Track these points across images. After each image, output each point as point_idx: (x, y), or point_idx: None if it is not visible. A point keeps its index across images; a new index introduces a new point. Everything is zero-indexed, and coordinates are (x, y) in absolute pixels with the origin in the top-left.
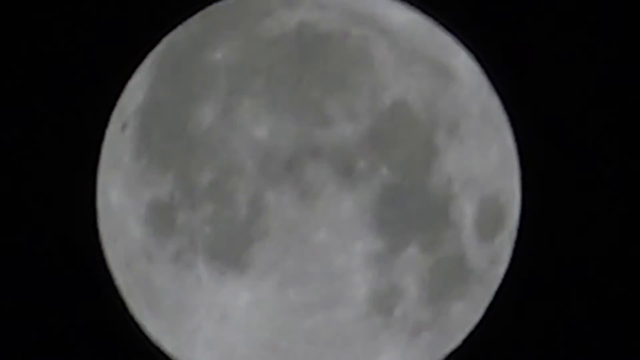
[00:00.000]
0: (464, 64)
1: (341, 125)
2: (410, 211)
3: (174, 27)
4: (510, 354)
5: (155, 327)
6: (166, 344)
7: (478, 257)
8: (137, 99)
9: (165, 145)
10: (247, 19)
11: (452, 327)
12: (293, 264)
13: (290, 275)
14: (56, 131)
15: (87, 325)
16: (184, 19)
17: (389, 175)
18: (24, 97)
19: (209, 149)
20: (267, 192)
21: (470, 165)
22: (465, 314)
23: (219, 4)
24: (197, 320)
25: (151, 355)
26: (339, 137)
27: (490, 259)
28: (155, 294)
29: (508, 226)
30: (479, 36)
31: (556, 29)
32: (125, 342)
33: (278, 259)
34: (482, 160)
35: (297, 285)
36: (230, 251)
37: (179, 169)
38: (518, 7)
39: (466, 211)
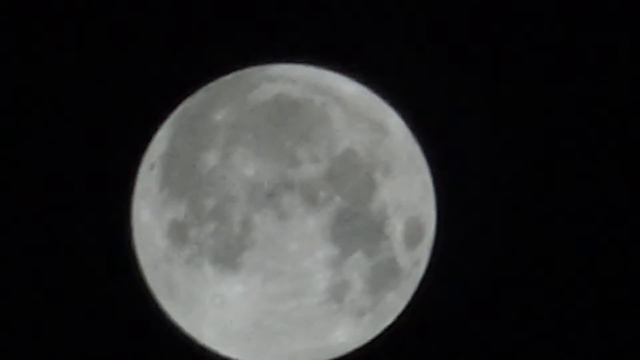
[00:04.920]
0: (395, 123)
1: (307, 166)
2: (357, 228)
3: (188, 95)
4: (429, 330)
5: (174, 312)
6: (182, 324)
7: (405, 260)
8: (161, 147)
9: (181, 181)
10: (239, 90)
11: (386, 311)
12: (273, 265)
13: (271, 274)
14: (101, 170)
15: (122, 314)
16: (196, 89)
17: (341, 202)
18: (81, 145)
19: (212, 183)
20: (254, 214)
21: (400, 195)
22: (396, 301)
23: (220, 79)
24: (204, 306)
25: (171, 334)
26: (306, 175)
27: (414, 262)
28: (174, 288)
29: (427, 238)
30: (406, 102)
31: (460, 92)
32: (153, 325)
33: (262, 262)
34: (408, 191)
35: (275, 281)
36: (228, 256)
37: (191, 198)
38: (438, 83)
39: (397, 228)
